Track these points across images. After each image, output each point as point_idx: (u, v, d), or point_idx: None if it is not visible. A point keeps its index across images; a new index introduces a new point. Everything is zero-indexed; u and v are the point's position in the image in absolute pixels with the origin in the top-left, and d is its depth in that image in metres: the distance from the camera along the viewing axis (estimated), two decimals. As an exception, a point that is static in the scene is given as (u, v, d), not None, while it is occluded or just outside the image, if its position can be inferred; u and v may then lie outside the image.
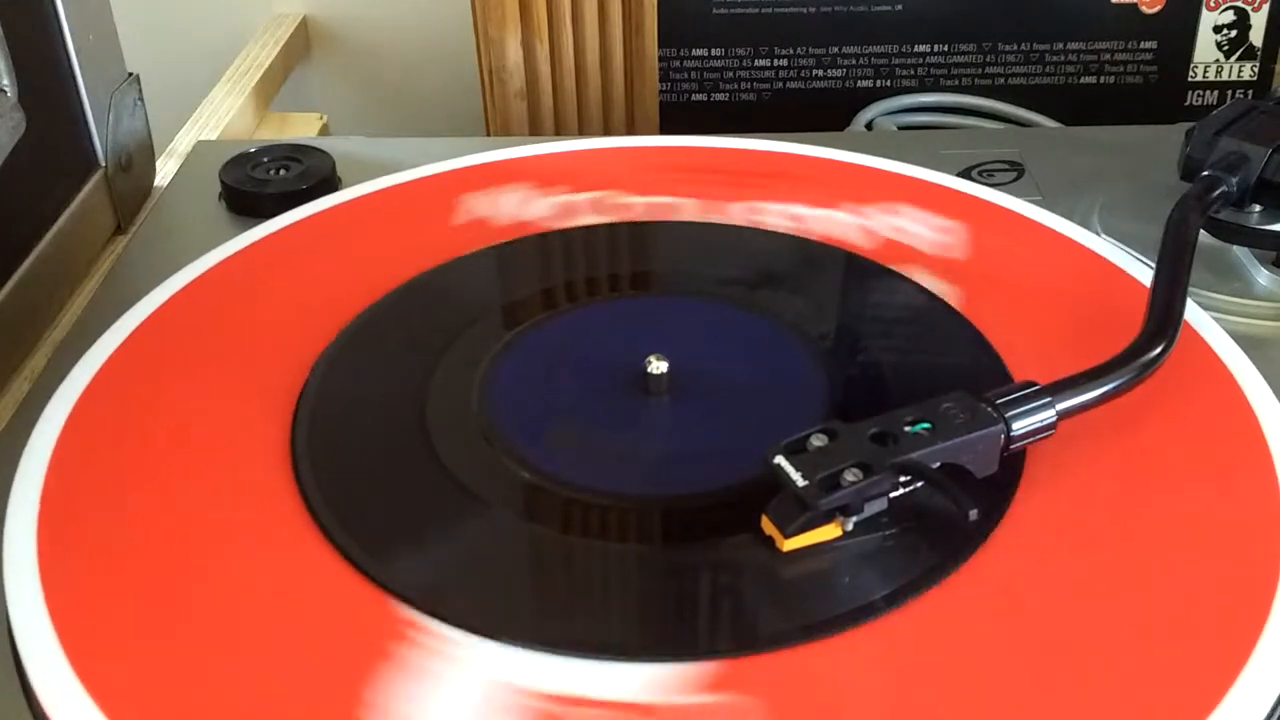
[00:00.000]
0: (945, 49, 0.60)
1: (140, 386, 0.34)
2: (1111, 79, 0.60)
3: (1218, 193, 0.40)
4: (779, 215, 0.42)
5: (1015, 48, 0.60)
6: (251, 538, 0.30)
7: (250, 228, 0.41)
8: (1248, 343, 0.35)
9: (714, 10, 0.59)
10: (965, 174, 0.47)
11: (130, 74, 0.50)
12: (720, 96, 0.61)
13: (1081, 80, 0.60)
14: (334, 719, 0.25)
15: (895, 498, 0.29)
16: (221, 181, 0.47)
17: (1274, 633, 0.26)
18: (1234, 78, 0.60)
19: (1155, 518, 0.30)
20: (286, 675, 0.26)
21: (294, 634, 0.27)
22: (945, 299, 0.38)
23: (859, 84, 0.60)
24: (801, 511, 0.28)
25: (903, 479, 0.29)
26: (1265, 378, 0.34)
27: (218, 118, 0.60)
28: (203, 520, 0.30)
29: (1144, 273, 0.38)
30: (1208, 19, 0.59)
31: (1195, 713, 0.25)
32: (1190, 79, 0.60)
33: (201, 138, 0.57)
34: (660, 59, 0.59)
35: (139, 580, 0.28)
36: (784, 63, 0.60)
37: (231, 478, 0.31)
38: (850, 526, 0.29)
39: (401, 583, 0.28)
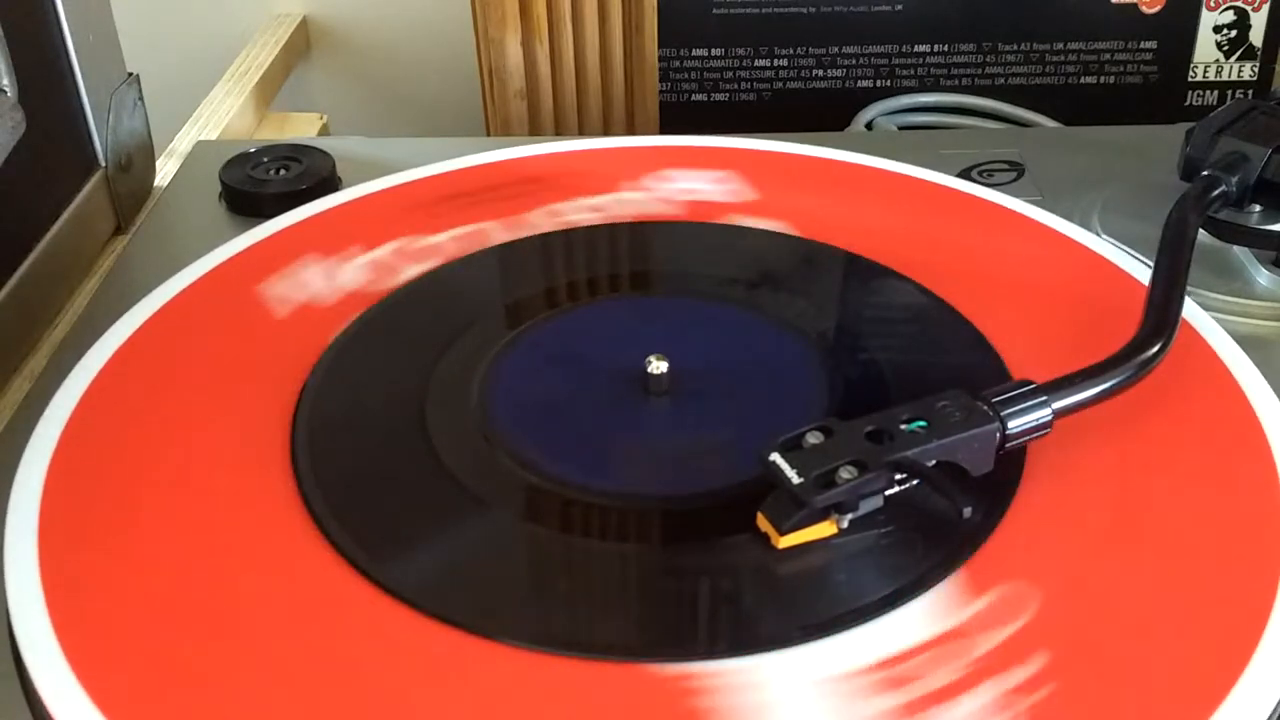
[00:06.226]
0: (945, 49, 0.60)
1: (141, 386, 0.34)
2: (1111, 79, 0.60)
3: (1217, 192, 0.40)
4: (778, 214, 0.42)
5: (1015, 48, 0.60)
6: (252, 537, 0.30)
7: (250, 228, 0.42)
8: (1248, 343, 0.35)
9: (714, 10, 0.59)
10: (965, 174, 0.47)
11: (130, 74, 0.50)
12: (720, 96, 0.61)
13: (1081, 80, 0.60)
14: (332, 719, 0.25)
15: (891, 495, 0.29)
16: (221, 181, 0.47)
17: (1275, 633, 0.26)
18: (1234, 78, 0.60)
19: (1155, 517, 0.30)
20: (285, 675, 0.26)
21: (293, 633, 0.27)
22: (945, 298, 0.38)
23: (859, 84, 0.60)
24: (797, 508, 0.28)
25: (898, 477, 0.29)
26: (1265, 378, 0.34)
27: (218, 118, 0.60)
28: (203, 520, 0.30)
29: (1143, 272, 0.38)
30: (1208, 19, 0.59)
31: (1197, 714, 0.25)
32: (1190, 79, 0.60)
33: (201, 138, 0.58)
34: (660, 59, 0.59)
35: (139, 580, 0.28)
36: (784, 63, 0.60)
37: (232, 477, 0.31)
38: (846, 524, 0.29)
39: (401, 583, 0.28)
